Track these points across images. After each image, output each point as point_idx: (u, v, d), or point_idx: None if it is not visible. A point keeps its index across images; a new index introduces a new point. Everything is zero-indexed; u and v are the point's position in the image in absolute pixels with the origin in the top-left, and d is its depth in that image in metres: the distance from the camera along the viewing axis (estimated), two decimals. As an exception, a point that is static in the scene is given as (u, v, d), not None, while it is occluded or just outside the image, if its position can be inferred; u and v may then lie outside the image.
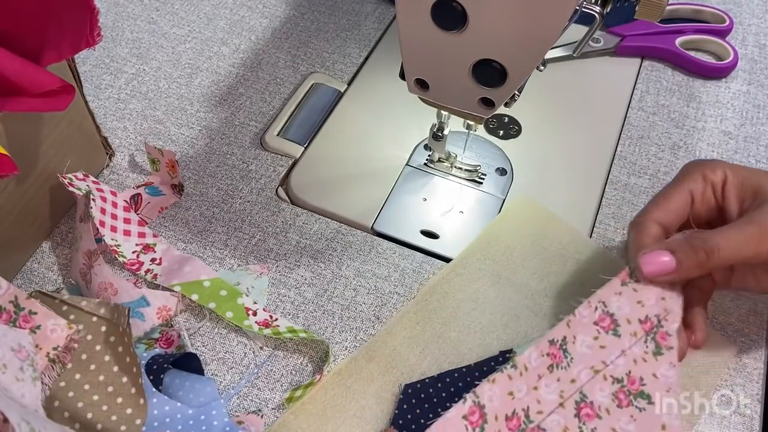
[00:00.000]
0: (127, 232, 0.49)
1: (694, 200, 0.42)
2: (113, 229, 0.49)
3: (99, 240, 0.48)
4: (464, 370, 0.44)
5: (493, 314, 0.46)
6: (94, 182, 0.50)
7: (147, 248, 0.49)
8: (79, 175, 0.50)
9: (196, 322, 0.47)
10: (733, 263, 0.40)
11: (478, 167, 0.55)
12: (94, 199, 0.48)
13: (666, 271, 0.38)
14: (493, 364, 0.44)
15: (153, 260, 0.49)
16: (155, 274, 0.47)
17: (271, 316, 0.47)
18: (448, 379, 0.43)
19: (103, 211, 0.48)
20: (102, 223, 0.47)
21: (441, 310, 0.47)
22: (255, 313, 0.47)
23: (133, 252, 0.49)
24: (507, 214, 0.52)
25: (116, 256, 0.48)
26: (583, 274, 0.48)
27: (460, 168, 0.55)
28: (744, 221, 0.39)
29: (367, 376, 0.44)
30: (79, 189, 0.49)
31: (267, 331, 0.46)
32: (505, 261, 0.49)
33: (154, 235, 0.51)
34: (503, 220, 0.51)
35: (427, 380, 0.43)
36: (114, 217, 0.49)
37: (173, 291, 0.46)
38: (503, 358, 0.44)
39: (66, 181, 0.48)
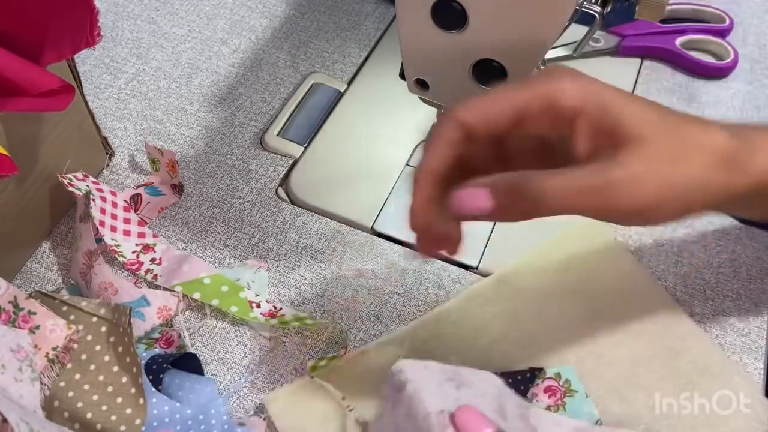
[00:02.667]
0: (126, 232, 0.49)
1: (524, 119, 0.33)
2: (113, 229, 0.49)
3: (99, 240, 0.48)
4: None
5: (531, 331, 0.45)
6: (93, 182, 0.50)
7: (147, 248, 0.49)
8: (79, 175, 0.50)
9: (196, 322, 0.47)
10: (562, 215, 0.32)
11: None
12: (93, 199, 0.48)
13: (480, 213, 0.32)
14: (519, 377, 0.43)
15: (153, 260, 0.49)
16: (155, 275, 0.47)
17: (275, 307, 0.47)
18: None
19: (102, 211, 0.48)
20: (102, 223, 0.47)
21: (479, 315, 0.46)
22: (259, 305, 0.47)
23: (133, 252, 0.49)
24: (570, 235, 0.50)
25: (116, 256, 0.48)
26: (634, 314, 0.46)
27: None
28: (590, 170, 0.32)
29: (391, 361, 0.44)
30: (79, 189, 0.49)
31: (273, 321, 0.46)
32: (555, 281, 0.48)
33: (154, 235, 0.51)
34: (565, 240, 0.50)
35: None
36: (114, 217, 0.49)
37: (174, 291, 0.46)
38: (531, 374, 0.43)
39: (66, 181, 0.48)
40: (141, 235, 0.50)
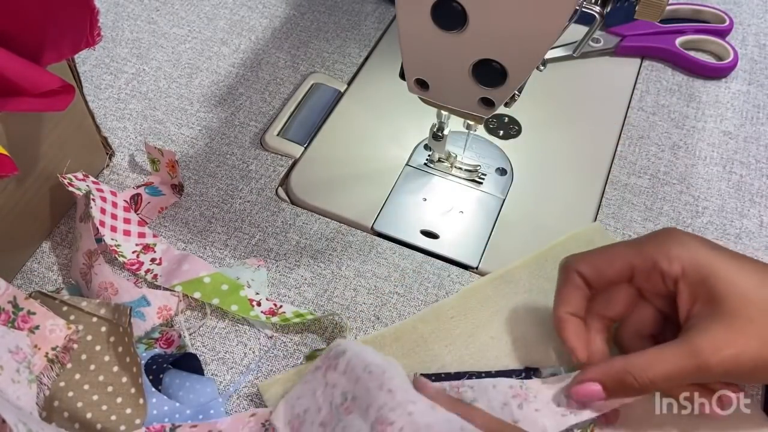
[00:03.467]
0: (127, 232, 0.49)
1: (635, 276, 0.40)
2: (113, 229, 0.49)
3: (99, 240, 0.48)
4: (483, 375, 0.43)
5: (530, 330, 0.46)
6: (94, 182, 0.50)
7: (147, 248, 0.49)
8: (79, 175, 0.50)
9: (196, 322, 0.47)
10: (665, 388, 0.40)
11: (478, 167, 0.55)
12: (93, 199, 0.48)
13: (597, 399, 0.39)
14: (514, 376, 0.43)
15: (153, 260, 0.49)
16: (155, 275, 0.47)
17: (275, 305, 0.47)
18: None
19: (103, 211, 0.48)
20: (102, 223, 0.47)
21: (478, 312, 0.47)
22: (259, 304, 0.47)
23: (133, 252, 0.49)
24: (575, 238, 0.50)
25: (116, 256, 0.48)
26: None
27: (460, 168, 0.55)
28: (678, 343, 0.37)
29: (388, 354, 0.44)
30: (79, 189, 0.49)
31: (275, 319, 0.46)
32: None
33: (154, 235, 0.51)
34: (569, 242, 0.50)
35: (443, 375, 0.43)
36: (114, 217, 0.49)
37: (174, 291, 0.47)
38: (526, 374, 0.43)
39: (66, 181, 0.48)
40: (141, 235, 0.50)
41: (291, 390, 0.42)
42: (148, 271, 0.48)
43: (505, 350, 0.45)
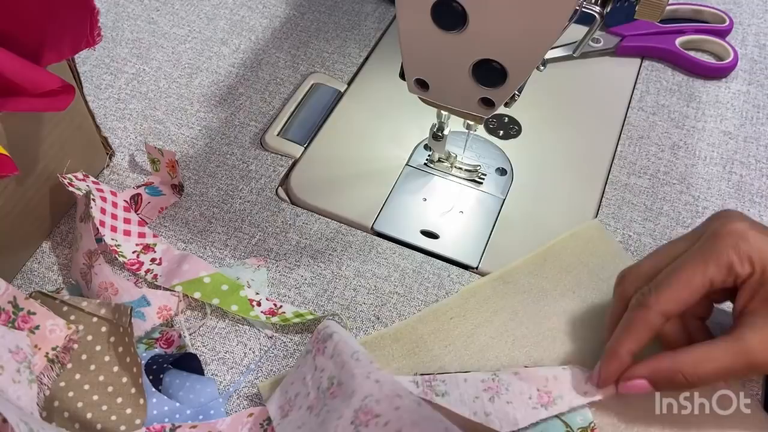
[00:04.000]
0: (127, 232, 0.49)
1: (712, 289, 0.39)
2: (113, 229, 0.49)
3: (99, 240, 0.48)
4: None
5: (529, 330, 0.46)
6: (94, 182, 0.50)
7: (147, 248, 0.49)
8: (79, 175, 0.50)
9: (196, 322, 0.47)
10: (713, 383, 0.40)
11: (478, 167, 0.55)
12: (94, 199, 0.48)
13: (643, 392, 0.40)
14: None
15: (153, 260, 0.49)
16: (155, 275, 0.47)
17: (275, 305, 0.47)
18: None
19: (103, 211, 0.48)
20: (102, 223, 0.47)
21: (477, 312, 0.47)
22: (259, 304, 0.47)
23: (133, 252, 0.49)
24: (573, 236, 0.50)
25: (116, 256, 0.48)
26: None
27: (460, 168, 0.55)
28: (729, 340, 0.38)
29: (388, 354, 0.45)
30: (79, 189, 0.49)
31: (275, 319, 0.46)
32: (555, 282, 0.48)
33: (154, 236, 0.51)
34: (567, 240, 0.50)
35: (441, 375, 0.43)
36: (114, 217, 0.49)
37: (174, 291, 0.47)
38: None
39: (66, 181, 0.48)
40: (141, 235, 0.50)
41: (286, 376, 0.43)
42: (148, 271, 0.48)
43: (505, 350, 0.45)
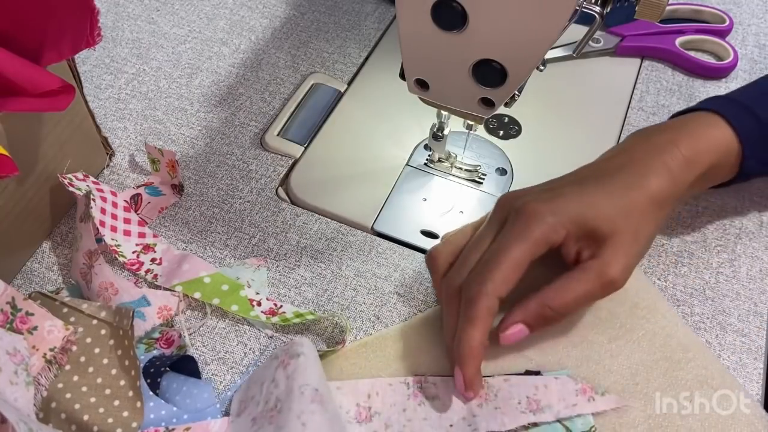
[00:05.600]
0: (127, 232, 0.49)
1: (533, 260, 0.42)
2: (113, 229, 0.49)
3: (99, 240, 0.48)
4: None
5: (532, 335, 0.45)
6: (94, 182, 0.50)
7: (147, 248, 0.49)
8: (79, 175, 0.50)
9: (196, 322, 0.47)
10: (576, 309, 0.44)
11: (478, 167, 0.55)
12: (94, 199, 0.48)
13: (523, 337, 0.42)
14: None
15: (153, 260, 0.49)
16: (155, 275, 0.47)
17: (275, 304, 0.47)
18: None
19: (103, 211, 0.48)
20: (102, 223, 0.47)
21: None
22: (259, 304, 0.47)
23: (133, 252, 0.49)
24: None
25: (116, 256, 0.48)
26: (635, 322, 0.46)
27: (460, 168, 0.55)
28: (581, 270, 0.42)
29: (389, 355, 0.45)
30: (79, 189, 0.49)
31: (275, 319, 0.46)
32: None
33: (154, 236, 0.51)
34: None
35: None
36: (114, 217, 0.49)
37: (174, 291, 0.47)
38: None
39: (66, 181, 0.48)
40: (141, 235, 0.50)
41: (256, 369, 0.43)
42: (148, 271, 0.48)
43: (506, 354, 0.45)
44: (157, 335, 0.45)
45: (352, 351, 0.45)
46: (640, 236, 0.43)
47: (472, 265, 0.43)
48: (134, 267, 0.48)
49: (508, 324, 0.42)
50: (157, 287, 0.47)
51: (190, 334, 0.46)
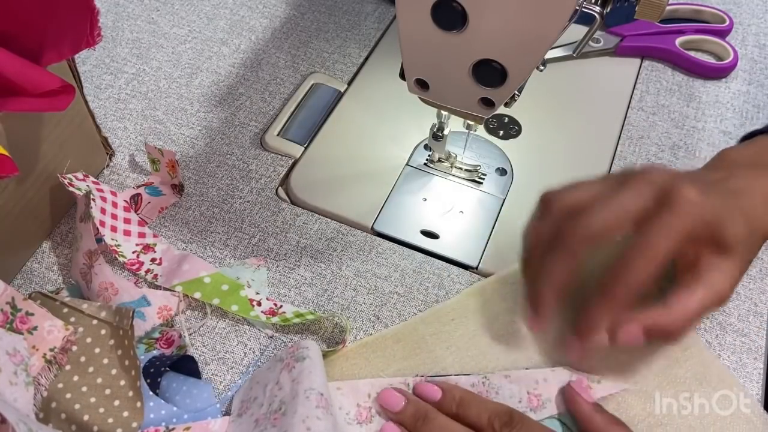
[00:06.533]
0: (127, 232, 0.49)
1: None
2: (113, 229, 0.49)
3: (99, 240, 0.48)
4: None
5: (530, 333, 0.45)
6: (94, 182, 0.50)
7: (147, 248, 0.49)
8: (79, 175, 0.50)
9: (196, 322, 0.47)
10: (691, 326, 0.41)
11: (478, 167, 0.55)
12: (94, 199, 0.48)
13: (637, 340, 0.40)
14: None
15: (153, 260, 0.49)
16: (155, 275, 0.47)
17: (275, 304, 0.47)
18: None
19: (103, 211, 0.48)
20: (102, 223, 0.47)
21: (479, 314, 0.46)
22: (259, 303, 0.47)
23: (133, 252, 0.49)
24: None
25: (116, 256, 0.48)
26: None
27: (460, 168, 0.55)
28: (697, 292, 0.40)
29: (390, 355, 0.45)
30: (79, 189, 0.49)
31: (275, 319, 0.46)
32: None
33: (154, 236, 0.51)
34: None
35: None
36: (114, 217, 0.49)
37: (174, 291, 0.47)
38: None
39: (66, 181, 0.48)
40: (141, 235, 0.50)
41: (258, 370, 0.43)
42: (148, 271, 0.48)
43: (507, 352, 0.45)
44: (157, 335, 0.45)
45: (352, 351, 0.45)
46: (748, 251, 0.41)
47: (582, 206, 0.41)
48: (134, 267, 0.48)
49: (626, 322, 0.40)
50: (157, 287, 0.47)
51: (190, 334, 0.46)
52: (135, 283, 0.47)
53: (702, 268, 0.40)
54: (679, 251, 0.39)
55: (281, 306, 0.47)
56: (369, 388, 0.43)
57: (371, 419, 0.42)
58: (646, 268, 0.38)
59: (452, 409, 0.41)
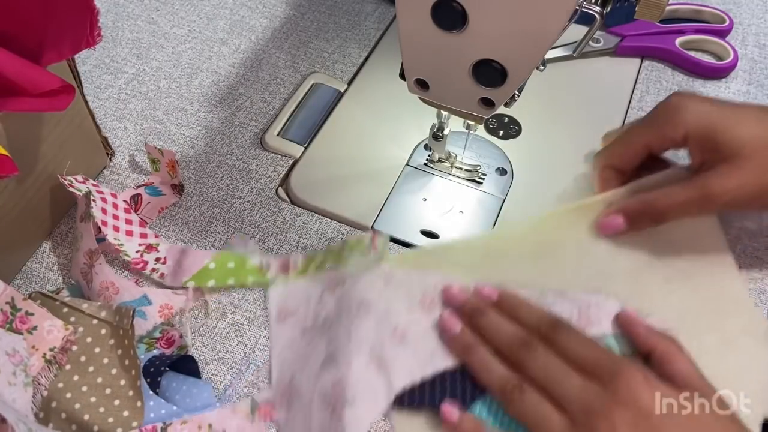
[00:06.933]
0: (129, 233, 0.49)
1: (653, 149, 0.47)
2: (115, 228, 0.49)
3: (100, 239, 0.48)
4: None
5: (592, 264, 0.46)
6: (94, 185, 0.50)
7: (150, 248, 0.49)
8: (79, 178, 0.50)
9: (196, 322, 0.47)
10: (677, 216, 0.45)
11: (478, 167, 0.55)
12: (94, 200, 0.48)
13: (620, 231, 0.46)
14: None
15: (158, 260, 0.49)
16: (162, 273, 0.48)
17: (283, 260, 0.48)
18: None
19: (104, 211, 0.48)
20: (104, 223, 0.47)
21: (551, 233, 0.47)
22: (269, 266, 0.48)
23: (137, 251, 0.49)
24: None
25: (120, 255, 0.48)
26: (691, 265, 0.47)
27: (460, 168, 0.55)
28: (689, 184, 0.44)
29: (457, 262, 0.46)
30: (79, 190, 0.49)
31: (292, 274, 0.48)
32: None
33: (155, 236, 0.50)
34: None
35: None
36: (116, 217, 0.49)
37: (186, 288, 0.47)
38: None
39: (66, 182, 0.48)
40: (143, 235, 0.50)
41: (295, 281, 0.47)
42: (153, 270, 0.48)
43: (569, 276, 0.46)
44: (158, 335, 0.45)
45: (419, 255, 0.47)
46: (763, 171, 0.42)
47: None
48: (139, 266, 0.48)
49: (609, 212, 0.46)
50: (166, 287, 0.47)
51: (192, 334, 0.46)
52: (136, 282, 0.47)
53: (702, 170, 0.44)
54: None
55: (289, 258, 0.48)
56: (437, 280, 0.45)
57: (433, 308, 0.44)
58: (614, 148, 0.47)
59: (505, 309, 0.43)
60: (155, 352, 0.45)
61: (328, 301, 0.44)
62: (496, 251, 0.47)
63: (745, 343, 0.44)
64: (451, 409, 0.40)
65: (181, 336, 0.45)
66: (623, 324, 0.42)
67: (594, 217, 0.47)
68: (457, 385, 0.41)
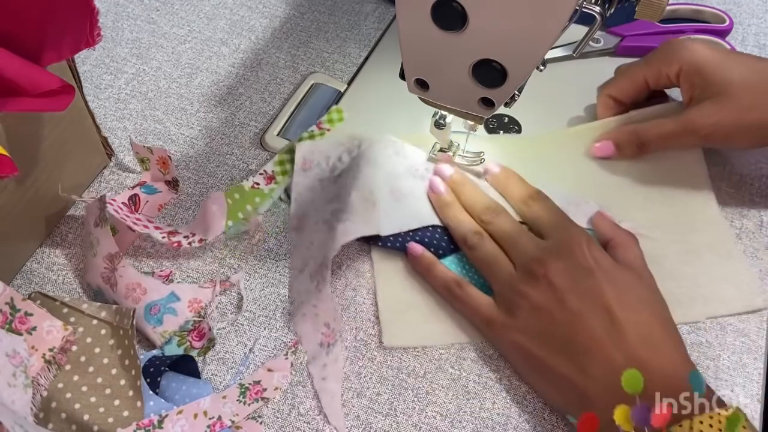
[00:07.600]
0: (145, 227, 0.49)
1: (649, 84, 0.53)
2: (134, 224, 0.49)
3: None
4: None
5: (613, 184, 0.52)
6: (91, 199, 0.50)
7: (172, 233, 0.49)
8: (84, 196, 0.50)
9: (223, 315, 0.47)
10: (661, 147, 0.51)
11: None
12: (109, 203, 0.47)
13: (611, 156, 0.53)
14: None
15: (186, 237, 0.49)
16: (200, 239, 0.49)
17: (264, 172, 0.53)
18: None
19: (117, 210, 0.48)
20: (125, 218, 0.48)
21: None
22: (258, 183, 0.53)
23: (163, 237, 0.49)
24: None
25: (159, 238, 0.48)
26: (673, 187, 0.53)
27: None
28: (676, 118, 0.49)
29: (513, 155, 0.55)
30: (84, 201, 0.49)
31: (280, 179, 0.53)
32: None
33: (168, 225, 0.50)
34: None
35: None
36: (127, 217, 0.49)
37: (207, 284, 0.48)
38: None
39: (75, 197, 0.48)
40: (157, 228, 0.50)
41: (321, 139, 0.54)
42: (190, 242, 0.49)
43: (564, 179, 0.53)
44: (189, 327, 0.45)
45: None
46: (754, 111, 0.46)
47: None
48: (175, 245, 0.48)
49: (601, 138, 0.53)
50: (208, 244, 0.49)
51: (219, 328, 0.46)
52: (162, 280, 0.48)
53: (689, 104, 0.49)
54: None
55: (267, 168, 0.53)
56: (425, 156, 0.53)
57: (427, 177, 0.52)
58: (615, 80, 0.55)
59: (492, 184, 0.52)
60: (155, 352, 0.45)
61: (345, 160, 0.52)
62: (499, 150, 0.54)
63: (709, 258, 0.49)
64: (415, 245, 0.48)
65: (210, 329, 0.45)
66: (594, 219, 0.49)
67: (590, 141, 0.54)
68: (434, 238, 0.49)
